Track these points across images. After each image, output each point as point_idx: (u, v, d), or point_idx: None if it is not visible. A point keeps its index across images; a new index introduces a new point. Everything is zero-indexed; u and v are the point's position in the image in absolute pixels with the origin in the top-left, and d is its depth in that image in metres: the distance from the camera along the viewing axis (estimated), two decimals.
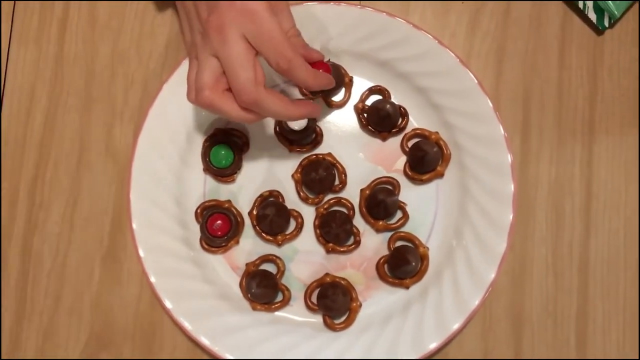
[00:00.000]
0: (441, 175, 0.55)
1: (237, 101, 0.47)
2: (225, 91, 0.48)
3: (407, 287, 0.55)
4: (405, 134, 0.56)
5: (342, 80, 0.56)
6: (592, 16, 0.57)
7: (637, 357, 0.55)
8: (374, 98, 0.57)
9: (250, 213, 0.55)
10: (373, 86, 0.57)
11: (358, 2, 0.58)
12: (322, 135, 0.57)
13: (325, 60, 0.54)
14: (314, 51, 0.51)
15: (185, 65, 0.55)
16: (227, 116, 0.48)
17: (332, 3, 0.56)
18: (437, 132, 0.55)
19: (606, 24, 0.57)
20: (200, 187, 0.56)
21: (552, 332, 0.55)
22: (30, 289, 0.56)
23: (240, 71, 0.46)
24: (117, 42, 0.58)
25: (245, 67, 0.46)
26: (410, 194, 0.56)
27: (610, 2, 0.56)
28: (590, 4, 0.57)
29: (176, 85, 0.55)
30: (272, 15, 0.46)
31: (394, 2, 0.58)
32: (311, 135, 0.57)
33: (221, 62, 0.47)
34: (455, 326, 0.53)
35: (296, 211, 0.56)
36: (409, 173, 0.56)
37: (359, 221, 0.56)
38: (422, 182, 0.56)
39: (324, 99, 0.57)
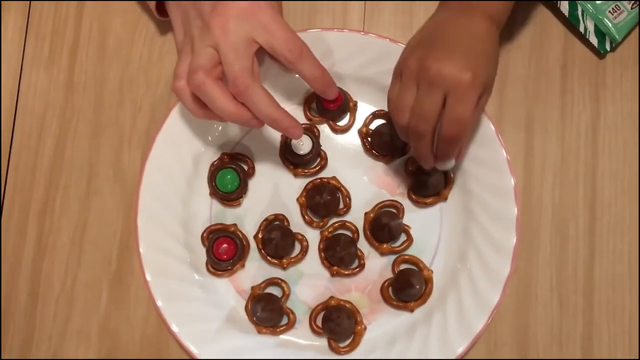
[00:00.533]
0: (445, 199, 0.56)
1: (229, 88, 0.48)
2: (218, 79, 0.49)
3: (412, 310, 0.55)
4: (409, 158, 0.57)
5: (347, 105, 0.57)
6: (594, 40, 0.57)
7: None
8: (378, 122, 0.58)
9: (255, 236, 0.56)
10: (377, 110, 0.58)
11: (361, 28, 0.59)
12: (326, 159, 0.57)
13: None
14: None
15: None
16: (214, 104, 0.49)
17: (336, 30, 0.57)
18: None
19: (607, 47, 0.57)
20: (207, 211, 0.57)
21: (558, 355, 0.55)
22: (39, 312, 0.57)
23: (237, 59, 0.47)
24: (125, 68, 0.60)
25: (243, 56, 0.48)
26: (414, 217, 0.56)
27: (611, 26, 0.57)
28: (591, 27, 0.57)
29: (183, 111, 0.56)
30: (278, 11, 0.48)
31: (396, 28, 0.59)
32: (316, 160, 0.57)
33: (220, 51, 0.48)
34: (460, 349, 0.53)
35: (301, 234, 0.56)
36: (413, 196, 0.56)
37: (363, 244, 0.56)
38: (426, 205, 0.56)
39: (330, 124, 0.58)
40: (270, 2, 0.49)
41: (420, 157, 0.50)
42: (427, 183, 0.55)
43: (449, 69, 0.45)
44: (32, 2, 0.61)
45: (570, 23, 0.58)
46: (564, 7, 0.57)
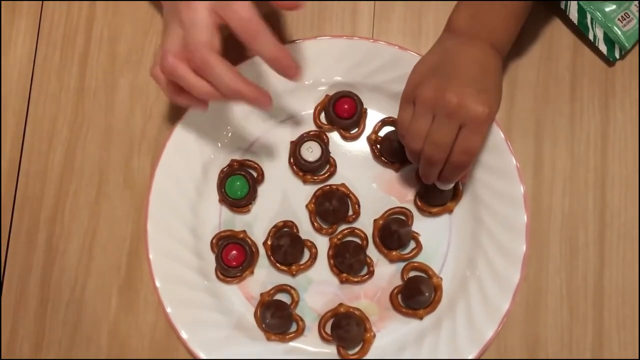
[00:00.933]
0: (450, 211, 0.56)
1: (192, 63, 0.47)
2: (189, 60, 0.48)
3: (421, 318, 0.55)
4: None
5: (360, 116, 0.57)
6: (603, 48, 0.57)
7: None
8: (387, 129, 0.58)
9: (264, 243, 0.56)
10: (386, 118, 0.58)
11: (370, 36, 0.59)
12: (335, 166, 0.57)
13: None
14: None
15: None
16: (188, 86, 0.48)
17: (345, 37, 0.57)
18: None
19: (617, 55, 0.57)
20: (216, 217, 0.57)
21: None
22: (49, 318, 0.57)
23: (197, 32, 0.47)
24: (136, 75, 0.60)
25: (203, 29, 0.46)
26: (423, 224, 0.56)
27: (620, 33, 0.57)
28: (600, 35, 0.57)
29: (193, 118, 0.56)
30: None
31: (405, 36, 0.59)
32: (325, 166, 0.57)
33: (183, 27, 0.47)
34: (470, 357, 0.53)
35: (310, 241, 0.56)
36: (419, 203, 0.56)
37: (372, 251, 0.56)
38: (431, 214, 0.56)
39: (340, 131, 0.58)
40: None
41: (426, 177, 0.51)
42: (436, 194, 0.55)
43: (469, 102, 0.47)
44: (43, 8, 0.61)
45: (580, 31, 0.58)
46: (573, 15, 0.57)
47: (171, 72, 0.48)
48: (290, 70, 0.48)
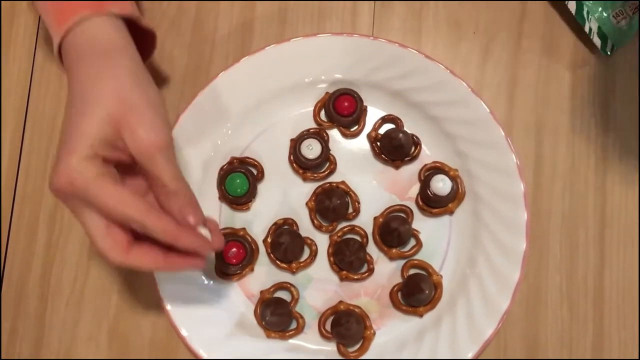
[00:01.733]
0: (451, 213, 0.56)
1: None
2: (131, 244, 0.45)
3: (421, 316, 0.55)
4: (425, 165, 0.57)
5: (360, 113, 0.57)
6: (597, 41, 0.57)
7: None
8: (387, 127, 0.58)
9: (264, 241, 0.56)
10: (386, 115, 0.58)
11: (370, 33, 0.59)
12: (335, 163, 0.57)
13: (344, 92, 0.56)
14: (195, 214, 0.45)
15: (200, 97, 0.56)
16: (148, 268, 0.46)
17: (345, 35, 0.57)
18: (456, 170, 0.56)
19: (609, 50, 0.57)
20: (216, 215, 0.57)
21: None
22: (49, 317, 0.57)
23: (96, 241, 0.44)
24: None
25: (98, 237, 0.44)
26: (423, 222, 0.56)
27: (613, 29, 0.57)
28: (595, 28, 0.57)
29: (191, 117, 0.56)
30: (111, 185, 0.42)
31: (406, 33, 0.59)
32: (325, 164, 0.57)
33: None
34: (469, 355, 0.53)
35: (310, 239, 0.56)
36: (420, 204, 0.56)
37: (372, 249, 0.56)
38: (432, 215, 0.56)
39: (340, 129, 0.58)
40: (93, 171, 0.43)
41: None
42: (436, 197, 0.55)
43: None
44: None
45: (578, 25, 0.58)
46: (572, 5, 0.57)
47: (127, 267, 0.45)
48: (202, 251, 0.46)
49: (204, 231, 0.46)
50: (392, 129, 0.57)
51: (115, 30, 0.46)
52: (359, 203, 0.56)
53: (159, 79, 0.60)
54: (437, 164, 0.56)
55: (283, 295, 0.56)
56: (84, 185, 0.42)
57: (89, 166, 0.42)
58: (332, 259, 0.56)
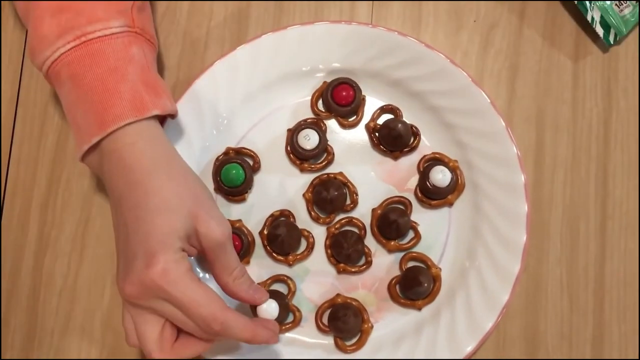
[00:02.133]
0: (450, 204, 0.55)
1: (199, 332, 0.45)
2: (173, 339, 0.46)
3: (420, 309, 0.54)
4: (424, 156, 0.56)
5: (359, 103, 0.56)
6: (600, 31, 0.56)
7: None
8: (386, 117, 0.57)
9: (261, 233, 0.55)
10: (385, 105, 0.57)
11: (369, 21, 0.58)
12: (333, 154, 0.56)
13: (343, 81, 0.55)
14: (259, 291, 0.49)
15: (195, 86, 0.55)
16: None
17: (344, 23, 0.56)
18: (456, 161, 0.55)
19: (612, 40, 0.56)
20: None
21: (568, 354, 0.54)
22: (41, 308, 0.56)
23: (148, 343, 0.45)
24: None
25: (151, 340, 0.45)
26: (422, 213, 0.55)
27: (616, 18, 0.56)
28: (597, 18, 0.56)
29: (186, 105, 0.55)
30: (190, 282, 0.44)
31: (405, 22, 0.58)
32: (322, 155, 0.56)
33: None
34: (469, 348, 0.52)
35: (307, 231, 0.55)
36: (419, 195, 0.55)
37: (370, 241, 0.55)
38: (431, 207, 0.55)
39: (338, 119, 0.57)
40: (184, 268, 0.45)
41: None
42: (436, 188, 0.54)
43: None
44: None
45: (580, 14, 0.57)
46: None
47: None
48: (271, 339, 0.47)
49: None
50: (391, 119, 0.56)
51: (161, 133, 0.50)
52: (357, 194, 0.55)
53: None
54: (437, 155, 0.55)
55: (280, 288, 0.55)
56: (176, 279, 0.43)
57: (181, 260, 0.44)
58: (329, 251, 0.55)
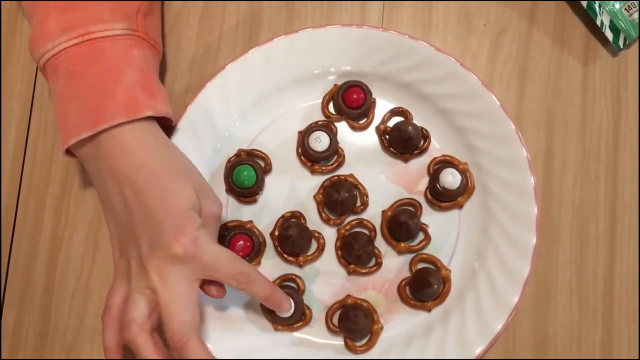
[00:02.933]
0: (460, 207, 0.55)
1: (168, 340, 0.46)
2: (153, 330, 0.47)
3: (429, 310, 0.54)
4: (434, 159, 0.56)
5: (369, 106, 0.57)
6: (609, 35, 0.57)
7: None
8: (396, 120, 0.57)
9: (272, 234, 0.56)
10: (395, 108, 0.57)
11: (380, 25, 0.59)
12: (344, 156, 0.57)
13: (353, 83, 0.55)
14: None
15: (207, 88, 0.56)
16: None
17: (354, 26, 0.56)
18: (466, 163, 0.55)
19: (621, 44, 0.57)
20: (223, 207, 0.57)
21: (577, 356, 0.54)
22: (54, 308, 0.57)
23: (176, 312, 0.46)
24: None
25: (182, 307, 0.46)
26: (432, 215, 0.56)
27: (626, 22, 0.56)
28: (607, 22, 0.56)
29: (199, 108, 0.56)
30: (214, 245, 0.48)
31: (416, 25, 0.59)
32: (333, 157, 0.57)
33: (159, 299, 0.46)
34: (478, 350, 0.52)
35: (318, 232, 0.56)
36: (429, 197, 0.56)
37: (380, 243, 0.56)
38: (441, 209, 0.55)
39: (348, 122, 0.57)
40: (207, 235, 0.48)
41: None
42: (445, 191, 0.54)
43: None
44: None
45: (590, 18, 0.57)
46: None
47: (130, 342, 0.47)
48: (282, 304, 0.51)
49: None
50: (401, 121, 0.56)
51: (160, 132, 0.52)
52: (367, 196, 0.56)
53: (166, 69, 0.59)
54: (447, 158, 0.56)
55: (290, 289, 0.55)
56: (204, 246, 0.47)
57: (203, 229, 0.48)
58: (339, 252, 0.55)
